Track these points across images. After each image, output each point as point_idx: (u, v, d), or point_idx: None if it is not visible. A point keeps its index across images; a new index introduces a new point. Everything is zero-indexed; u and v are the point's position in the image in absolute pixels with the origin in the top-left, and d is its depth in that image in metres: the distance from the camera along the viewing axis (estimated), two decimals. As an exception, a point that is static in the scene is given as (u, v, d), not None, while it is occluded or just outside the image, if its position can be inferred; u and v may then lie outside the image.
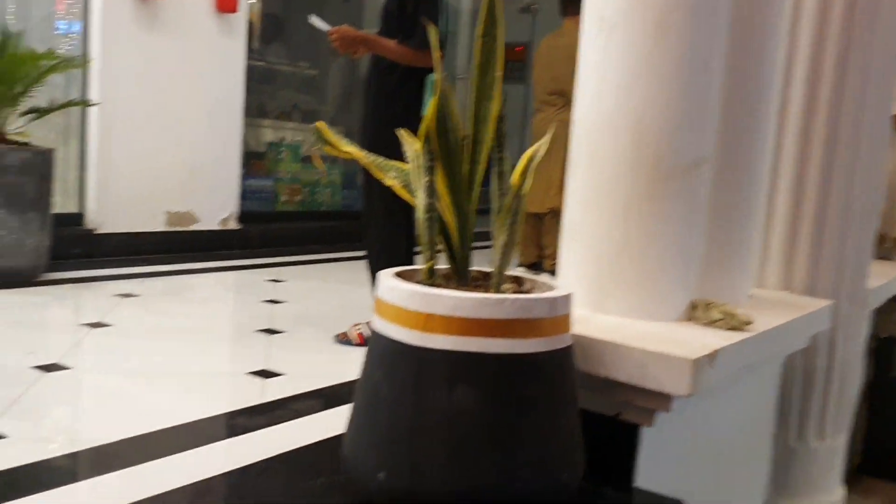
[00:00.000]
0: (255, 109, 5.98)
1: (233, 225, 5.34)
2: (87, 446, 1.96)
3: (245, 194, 5.48)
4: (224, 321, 3.66)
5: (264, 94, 6.39)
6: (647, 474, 1.69)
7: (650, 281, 1.78)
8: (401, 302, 1.55)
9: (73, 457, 1.91)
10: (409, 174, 1.72)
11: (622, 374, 1.61)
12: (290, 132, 6.48)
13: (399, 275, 1.68)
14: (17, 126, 3.91)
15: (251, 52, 5.46)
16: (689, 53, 1.74)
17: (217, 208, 5.23)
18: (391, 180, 1.75)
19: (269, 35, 6.39)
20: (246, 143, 5.48)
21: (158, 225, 4.93)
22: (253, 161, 5.75)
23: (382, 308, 1.62)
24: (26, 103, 3.92)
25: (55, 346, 2.92)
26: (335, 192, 6.40)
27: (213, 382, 2.65)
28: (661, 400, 1.60)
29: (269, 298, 3.89)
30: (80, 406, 2.38)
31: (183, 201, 5.03)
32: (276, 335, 3.20)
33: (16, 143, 3.86)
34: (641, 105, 1.73)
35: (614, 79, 1.77)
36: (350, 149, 1.80)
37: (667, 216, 1.76)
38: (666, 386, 1.56)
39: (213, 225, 5.22)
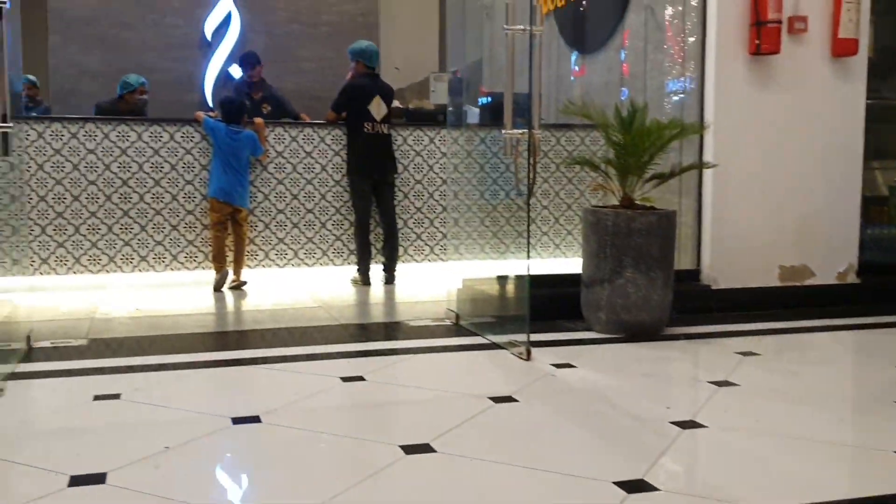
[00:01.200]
0: (872, 151, 5.50)
1: (851, 278, 4.98)
2: (737, 512, 1.98)
3: (864, 244, 5.07)
4: (853, 387, 3.40)
5: (882, 132, 5.85)
6: None
7: None
8: None
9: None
10: None
11: None
12: (916, 173, 5.80)
13: None
14: (642, 192, 4.27)
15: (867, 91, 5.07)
16: None
17: (833, 261, 4.95)
18: None
19: (885, 69, 5.86)
20: (864, 188, 5.08)
21: (771, 280, 4.87)
22: (872, 207, 5.29)
23: None
24: (650, 170, 4.26)
25: (687, 402, 3.06)
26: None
27: (854, 457, 2.46)
28: None
29: (905, 363, 3.50)
30: (722, 466, 2.41)
31: (796, 255, 4.89)
32: (922, 408, 2.85)
33: (642, 207, 4.21)
34: None
35: None
36: None
37: None
38: None
39: (830, 279, 4.94)
